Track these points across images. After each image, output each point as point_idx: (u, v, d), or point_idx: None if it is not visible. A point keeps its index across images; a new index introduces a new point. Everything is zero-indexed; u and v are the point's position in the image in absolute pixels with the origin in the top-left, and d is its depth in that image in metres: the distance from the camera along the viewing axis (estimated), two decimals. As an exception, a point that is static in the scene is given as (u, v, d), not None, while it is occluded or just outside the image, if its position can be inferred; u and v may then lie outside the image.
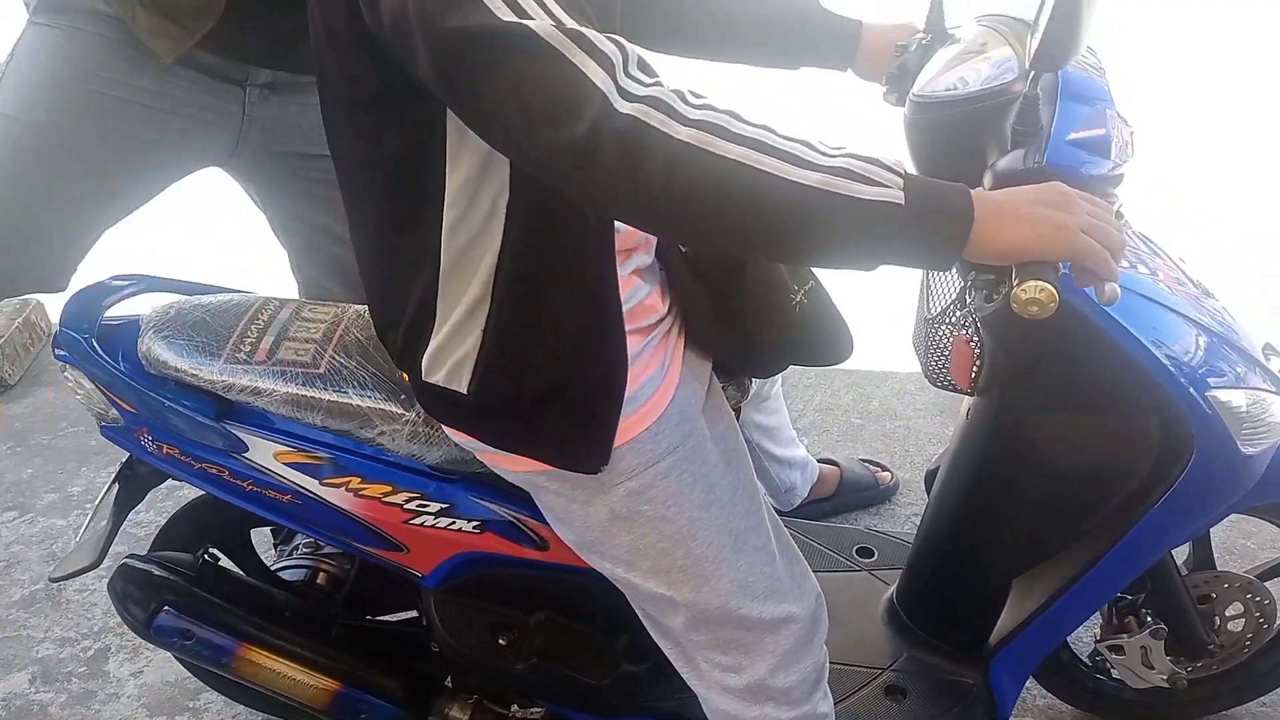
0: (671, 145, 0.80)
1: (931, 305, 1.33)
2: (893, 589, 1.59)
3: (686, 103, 0.83)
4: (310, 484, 1.26)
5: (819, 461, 2.10)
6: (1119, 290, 0.86)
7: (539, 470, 1.12)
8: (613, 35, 0.84)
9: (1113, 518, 1.27)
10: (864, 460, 2.24)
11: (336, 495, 1.26)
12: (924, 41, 1.25)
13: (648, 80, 0.83)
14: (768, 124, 0.85)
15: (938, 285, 1.33)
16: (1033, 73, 0.96)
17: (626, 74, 0.82)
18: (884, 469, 2.22)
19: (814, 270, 1.28)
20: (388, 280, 1.09)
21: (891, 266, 0.87)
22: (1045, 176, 0.92)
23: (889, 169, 0.84)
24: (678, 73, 0.93)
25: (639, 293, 1.11)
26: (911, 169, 1.18)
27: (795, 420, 2.44)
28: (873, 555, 1.71)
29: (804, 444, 2.09)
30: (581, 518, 1.14)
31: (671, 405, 1.11)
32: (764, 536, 1.18)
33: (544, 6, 0.82)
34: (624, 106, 0.80)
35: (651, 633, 1.23)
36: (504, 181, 0.96)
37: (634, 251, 1.10)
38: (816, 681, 1.22)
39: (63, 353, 1.30)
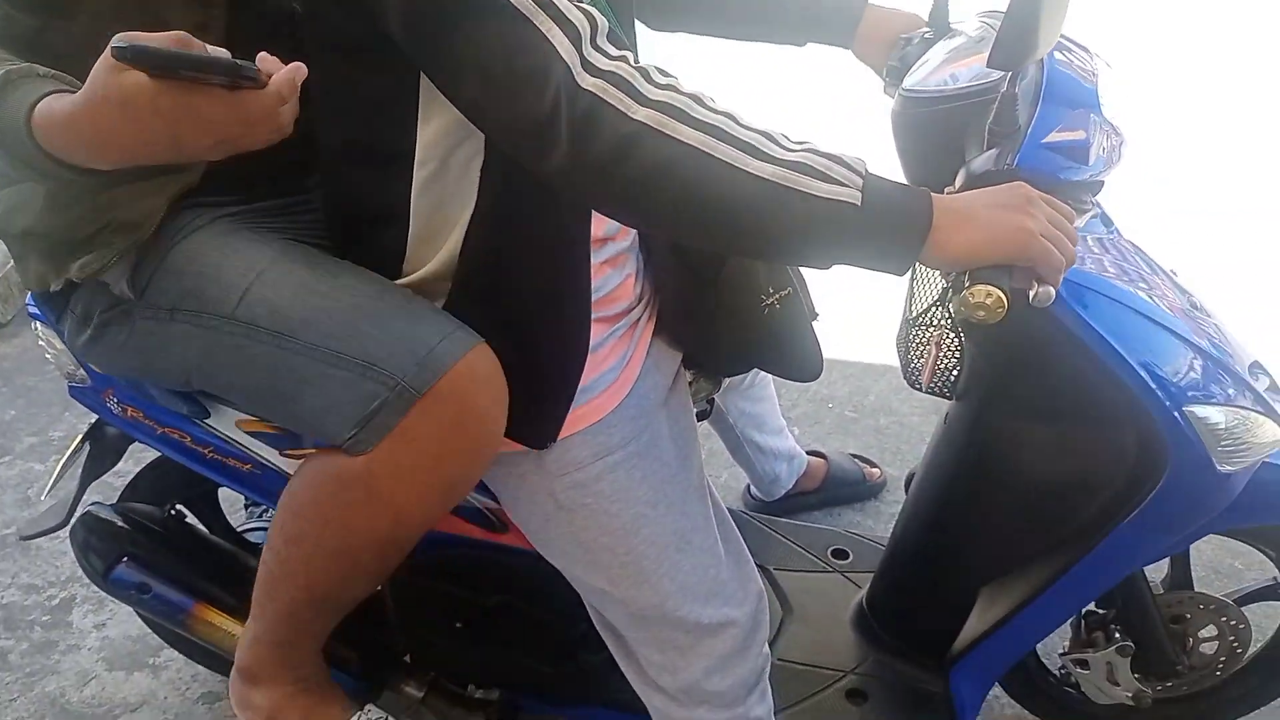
0: (627, 125, 0.79)
1: (914, 305, 1.30)
2: (864, 592, 1.57)
3: (650, 81, 0.81)
4: (270, 454, 1.25)
5: (808, 454, 2.08)
6: (1052, 294, 0.83)
7: None
8: (584, 4, 0.82)
9: (1083, 530, 1.23)
10: (854, 455, 2.21)
11: (296, 467, 1.25)
12: (926, 36, 1.23)
13: (614, 53, 0.81)
14: (731, 111, 0.83)
15: (921, 286, 1.29)
16: (1012, 72, 0.92)
17: (593, 45, 0.81)
18: (873, 465, 2.19)
19: (796, 280, 1.25)
20: (355, 235, 1.07)
21: (846, 267, 0.85)
22: (1015, 178, 0.89)
23: (850, 168, 0.82)
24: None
25: (609, 282, 1.08)
26: (898, 163, 1.17)
27: (789, 410, 2.41)
28: (848, 557, 1.69)
29: (794, 434, 2.07)
30: (527, 503, 1.12)
31: (628, 399, 1.09)
32: (710, 537, 1.16)
33: None
34: (586, 81, 0.79)
35: (595, 624, 1.22)
36: (479, 145, 0.94)
37: (607, 241, 1.08)
38: (754, 685, 1.20)
39: (35, 310, 1.30)
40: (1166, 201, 3.12)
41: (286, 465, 1.25)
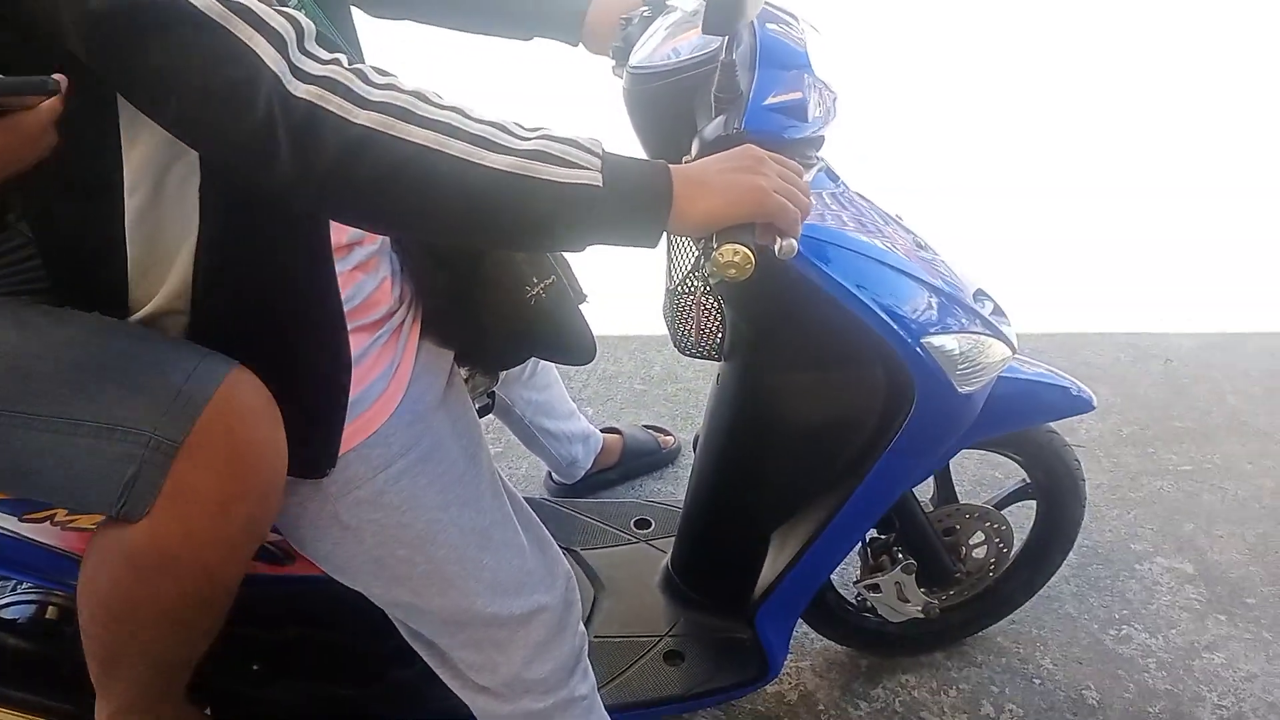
0: (350, 130, 0.76)
1: (673, 275, 1.33)
2: (668, 557, 1.61)
3: (368, 83, 0.78)
4: (8, 522, 1.13)
5: (602, 431, 2.11)
6: (795, 246, 0.88)
7: None
8: (286, 9, 0.78)
9: (852, 464, 1.32)
10: (647, 426, 2.26)
11: (41, 531, 1.14)
12: (645, 15, 1.25)
13: (325, 57, 0.78)
14: (459, 105, 0.82)
15: (677, 255, 1.33)
16: (728, 40, 0.96)
17: (301, 50, 0.77)
18: (666, 433, 2.25)
19: (558, 267, 1.26)
20: (71, 274, 0.97)
21: (599, 246, 0.86)
22: (744, 141, 0.93)
23: (587, 150, 0.82)
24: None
25: (363, 289, 1.04)
26: (635, 141, 1.19)
27: (579, 391, 2.44)
28: (650, 525, 1.73)
29: (587, 414, 2.09)
30: (311, 530, 1.07)
31: (402, 405, 1.06)
32: (510, 530, 1.15)
33: None
34: (298, 89, 0.75)
35: (405, 636, 1.18)
36: (193, 163, 0.87)
37: (354, 246, 1.03)
38: (574, 665, 1.21)
39: None
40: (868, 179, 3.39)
41: (29, 530, 1.14)
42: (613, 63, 1.30)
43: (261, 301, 0.95)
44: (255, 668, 1.28)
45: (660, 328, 1.40)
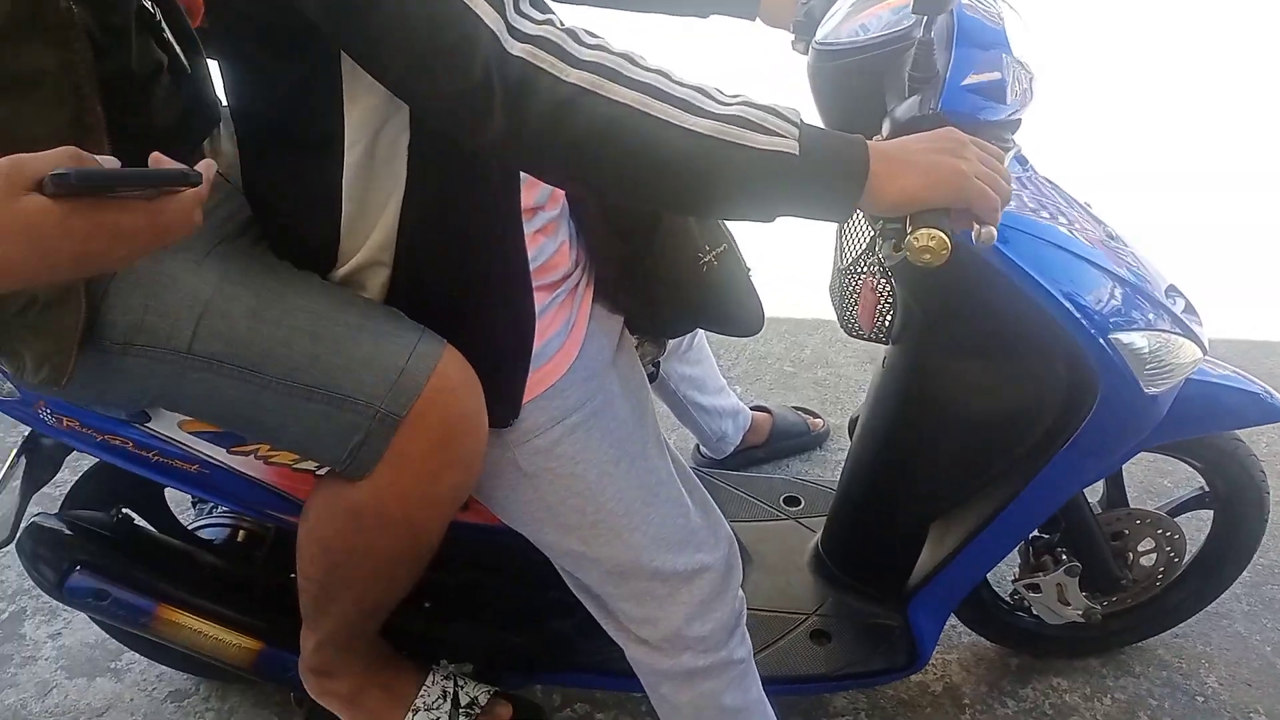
0: (561, 89, 0.78)
1: (844, 255, 1.33)
2: (818, 536, 1.61)
3: (579, 43, 0.81)
4: (217, 453, 1.23)
5: (752, 409, 2.11)
6: (995, 233, 0.86)
7: None
8: None
9: (1024, 459, 1.28)
10: (796, 408, 2.25)
11: (245, 463, 1.24)
12: None
13: (539, 18, 0.81)
14: (663, 69, 0.83)
15: (850, 235, 1.32)
16: (926, 18, 0.95)
17: (517, 11, 0.80)
18: (816, 416, 2.24)
19: (730, 235, 1.27)
20: (285, 224, 1.05)
21: (788, 217, 0.87)
22: (941, 122, 0.91)
23: (785, 119, 0.83)
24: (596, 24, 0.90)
25: (544, 251, 1.08)
26: (816, 117, 1.19)
27: (729, 370, 2.45)
28: (799, 504, 1.73)
29: (736, 392, 2.10)
30: (491, 477, 1.13)
31: (577, 362, 1.10)
32: (675, 488, 1.18)
33: None
34: (514, 48, 0.78)
35: (570, 586, 1.23)
36: (404, 122, 0.92)
37: (538, 210, 1.08)
38: (734, 627, 1.23)
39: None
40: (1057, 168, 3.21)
41: (235, 462, 1.24)
42: (791, 37, 1.29)
43: (458, 257, 1.00)
44: (427, 605, 1.35)
45: (811, 311, 1.40)
